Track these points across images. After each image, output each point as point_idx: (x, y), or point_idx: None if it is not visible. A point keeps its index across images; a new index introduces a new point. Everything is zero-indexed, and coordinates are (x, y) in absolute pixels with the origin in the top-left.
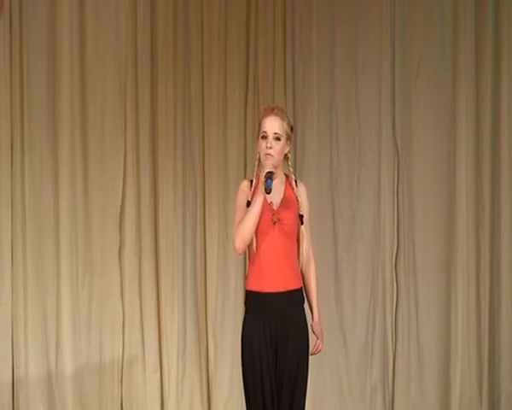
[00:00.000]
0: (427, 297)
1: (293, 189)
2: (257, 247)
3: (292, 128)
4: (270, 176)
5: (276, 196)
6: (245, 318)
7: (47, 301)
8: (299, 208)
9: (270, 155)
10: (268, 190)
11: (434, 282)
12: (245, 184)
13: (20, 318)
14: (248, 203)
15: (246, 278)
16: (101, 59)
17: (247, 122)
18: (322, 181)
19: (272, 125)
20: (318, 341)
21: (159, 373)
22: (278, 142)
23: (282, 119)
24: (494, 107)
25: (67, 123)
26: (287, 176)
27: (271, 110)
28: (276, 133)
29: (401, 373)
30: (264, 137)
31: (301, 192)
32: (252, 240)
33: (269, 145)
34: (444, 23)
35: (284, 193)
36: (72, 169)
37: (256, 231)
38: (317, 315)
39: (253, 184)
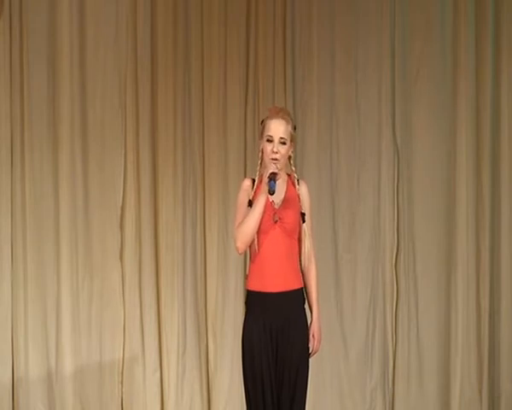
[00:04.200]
0: (427, 297)
1: (294, 188)
2: (258, 246)
3: (295, 128)
4: (273, 177)
5: (277, 195)
6: (245, 317)
7: (47, 301)
8: (300, 207)
9: (276, 158)
10: (271, 192)
11: (434, 282)
12: (247, 183)
13: (20, 318)
14: (250, 203)
15: (246, 277)
16: (101, 59)
17: (247, 122)
18: (322, 181)
19: (278, 129)
20: (314, 340)
21: (159, 373)
22: (284, 146)
23: (287, 122)
24: (494, 107)
25: (67, 123)
26: (289, 175)
27: (277, 113)
28: (281, 138)
29: (401, 373)
30: (270, 141)
31: (303, 191)
32: (253, 239)
33: (275, 150)
34: (444, 23)
35: (286, 192)
36: (72, 169)
37: (257, 230)
38: (316, 315)
39: (255, 183)
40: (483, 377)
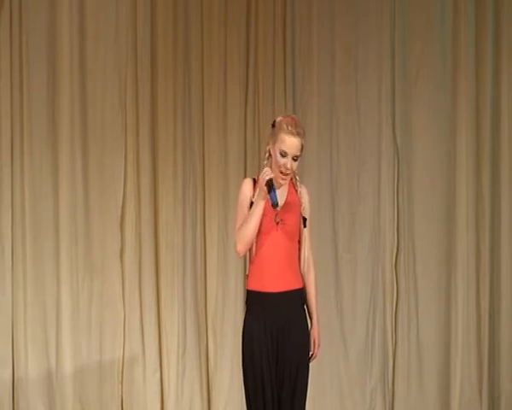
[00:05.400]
0: (427, 297)
1: (296, 190)
2: (259, 246)
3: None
4: (271, 184)
5: (279, 197)
6: (246, 317)
7: (47, 301)
8: (302, 211)
9: (286, 175)
10: (275, 205)
11: (434, 282)
12: (247, 184)
13: (20, 318)
14: (252, 204)
15: (246, 277)
16: (101, 59)
17: (247, 122)
18: (322, 181)
19: (294, 146)
20: (315, 346)
21: (159, 373)
22: (296, 162)
23: (302, 137)
24: (494, 107)
25: (67, 124)
26: (290, 178)
27: (294, 128)
28: (295, 156)
29: (401, 373)
30: (283, 156)
31: (304, 194)
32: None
33: (288, 166)
34: (444, 23)
35: (287, 195)
36: (72, 170)
37: (258, 231)
38: (316, 320)
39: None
40: (483, 377)
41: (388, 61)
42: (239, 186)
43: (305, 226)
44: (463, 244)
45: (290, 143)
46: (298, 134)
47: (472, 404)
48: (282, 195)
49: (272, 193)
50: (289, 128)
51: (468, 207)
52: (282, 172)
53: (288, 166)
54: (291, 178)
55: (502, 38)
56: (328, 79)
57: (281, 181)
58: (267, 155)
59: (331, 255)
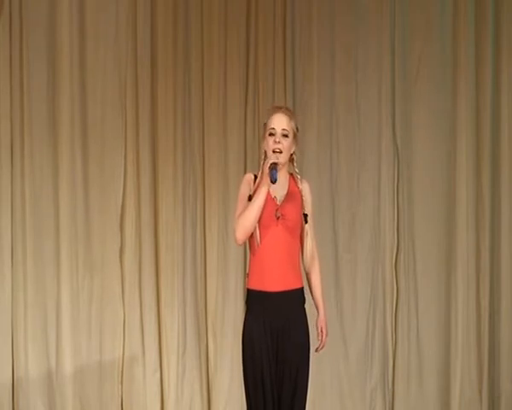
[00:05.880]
0: (427, 297)
1: (297, 185)
2: (259, 241)
3: (298, 129)
4: (274, 167)
5: (279, 192)
6: (246, 317)
7: (47, 301)
8: (303, 206)
9: (278, 150)
10: (273, 181)
11: (434, 282)
12: (249, 176)
13: (20, 318)
14: (250, 198)
15: (247, 275)
16: (101, 59)
17: (247, 122)
18: (322, 181)
19: (280, 121)
20: (322, 335)
21: (159, 373)
22: (286, 138)
23: (290, 117)
24: (494, 107)
25: (67, 124)
26: (291, 174)
27: (279, 108)
28: (284, 129)
29: (401, 373)
30: (272, 134)
31: (305, 188)
32: (253, 234)
33: (277, 140)
34: (444, 23)
35: (288, 189)
36: (72, 170)
37: (259, 225)
38: (323, 311)
39: (257, 180)
40: (483, 377)
41: (388, 61)
42: (239, 186)
43: (306, 222)
44: (463, 244)
45: (276, 119)
46: (284, 112)
47: (472, 404)
48: (282, 188)
49: (273, 171)
50: (275, 109)
51: (468, 207)
52: (274, 152)
53: (277, 139)
54: (291, 174)
55: (502, 38)
56: (328, 79)
57: (274, 156)
58: (263, 156)
59: (331, 255)
